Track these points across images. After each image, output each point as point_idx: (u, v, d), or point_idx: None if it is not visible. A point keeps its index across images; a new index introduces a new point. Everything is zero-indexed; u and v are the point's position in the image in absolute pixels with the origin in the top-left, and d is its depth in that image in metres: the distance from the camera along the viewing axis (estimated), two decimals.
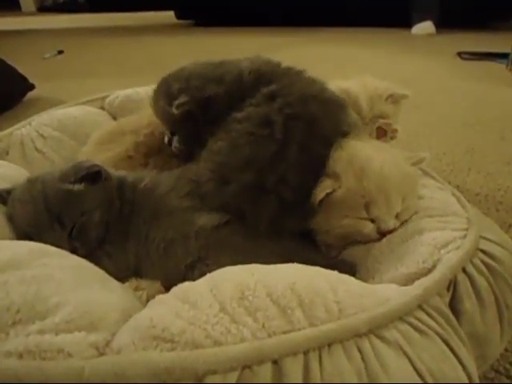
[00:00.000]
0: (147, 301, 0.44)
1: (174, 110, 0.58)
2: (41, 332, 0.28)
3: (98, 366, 0.26)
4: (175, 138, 0.65)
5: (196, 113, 0.59)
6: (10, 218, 0.50)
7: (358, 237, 0.51)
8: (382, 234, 0.50)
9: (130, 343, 0.28)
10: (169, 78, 0.64)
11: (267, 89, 0.56)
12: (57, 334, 0.28)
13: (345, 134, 0.55)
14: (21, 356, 0.26)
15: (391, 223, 0.50)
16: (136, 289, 0.49)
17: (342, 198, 0.50)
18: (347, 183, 0.50)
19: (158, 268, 0.51)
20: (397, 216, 0.50)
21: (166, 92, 0.63)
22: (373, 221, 0.50)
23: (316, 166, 0.52)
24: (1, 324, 0.28)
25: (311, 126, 0.52)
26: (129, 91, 0.98)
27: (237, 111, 0.56)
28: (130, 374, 0.26)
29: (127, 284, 0.49)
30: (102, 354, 0.28)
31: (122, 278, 0.47)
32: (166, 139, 0.66)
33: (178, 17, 3.32)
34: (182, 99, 0.58)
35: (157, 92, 0.65)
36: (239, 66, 0.61)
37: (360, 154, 0.51)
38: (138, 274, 0.52)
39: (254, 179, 0.50)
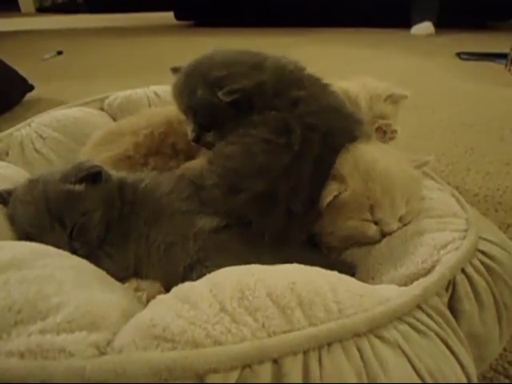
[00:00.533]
0: (147, 301, 0.44)
1: (224, 98, 0.53)
2: (42, 332, 0.28)
3: (99, 366, 0.26)
4: (209, 134, 0.59)
5: (243, 103, 0.55)
6: (11, 219, 0.51)
7: (361, 239, 0.52)
8: (385, 236, 0.50)
9: (131, 343, 0.28)
10: (199, 67, 0.59)
11: (296, 93, 0.54)
12: (58, 334, 0.28)
13: None
14: (22, 356, 0.26)
15: (395, 226, 0.50)
16: (136, 289, 0.49)
17: (347, 200, 0.50)
18: (353, 185, 0.50)
19: (158, 269, 0.51)
20: (400, 218, 0.51)
21: (203, 81, 0.56)
22: (376, 223, 0.51)
23: (326, 178, 0.52)
24: (2, 324, 0.28)
25: (327, 139, 0.52)
26: (128, 92, 0.98)
27: (256, 113, 0.54)
28: (131, 373, 0.26)
29: (127, 284, 0.49)
30: (103, 354, 0.28)
31: (122, 279, 0.48)
32: (193, 135, 0.61)
33: (178, 17, 3.33)
34: (234, 86, 0.53)
35: (187, 82, 0.59)
36: (279, 60, 0.58)
37: (365, 157, 0.52)
38: (137, 274, 0.53)
39: (266, 189, 0.50)
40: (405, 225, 0.51)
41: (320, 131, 0.52)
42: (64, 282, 0.32)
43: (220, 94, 0.54)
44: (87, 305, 0.30)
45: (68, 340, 0.27)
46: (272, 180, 0.50)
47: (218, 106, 0.55)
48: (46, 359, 0.26)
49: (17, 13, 4.62)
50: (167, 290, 0.48)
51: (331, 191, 0.50)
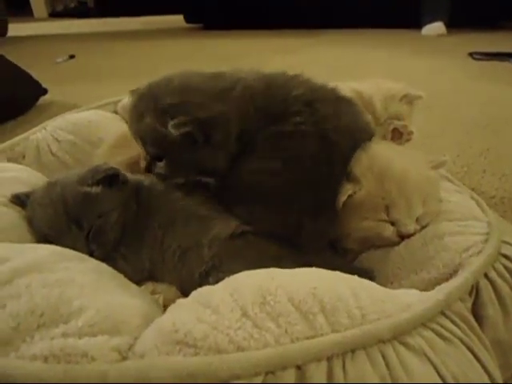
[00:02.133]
0: (164, 304, 0.44)
1: (172, 131, 0.48)
2: (65, 335, 0.28)
3: (122, 371, 0.26)
4: (160, 164, 0.54)
5: (197, 135, 0.50)
6: (30, 221, 0.51)
7: (377, 241, 0.51)
8: (402, 237, 0.50)
9: (153, 347, 0.28)
10: (154, 90, 0.53)
11: (274, 128, 0.52)
12: (80, 338, 0.28)
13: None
14: (46, 360, 0.27)
15: (412, 227, 0.49)
16: (152, 292, 0.49)
17: (362, 199, 0.50)
18: (367, 185, 0.50)
19: (173, 274, 0.51)
20: (417, 220, 0.50)
21: (152, 106, 0.51)
22: (393, 224, 0.50)
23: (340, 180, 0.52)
24: (26, 327, 0.28)
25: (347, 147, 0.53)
26: None
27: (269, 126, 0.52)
28: (154, 378, 0.26)
29: (144, 287, 0.49)
30: (124, 358, 0.28)
31: (137, 281, 0.48)
32: (144, 164, 0.56)
33: (188, 20, 3.35)
34: (183, 118, 0.48)
35: (138, 106, 0.54)
36: (251, 85, 0.54)
37: (381, 157, 0.52)
38: (152, 277, 0.53)
39: (315, 200, 0.50)
40: (423, 227, 0.50)
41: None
42: (84, 286, 0.32)
43: (170, 125, 0.49)
44: (108, 309, 0.30)
45: (90, 344, 0.27)
46: (319, 191, 0.50)
47: (167, 136, 0.49)
48: (69, 363, 0.26)
49: (30, 18, 4.70)
50: (183, 293, 0.48)
51: (345, 191, 0.50)
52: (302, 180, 0.50)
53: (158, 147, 0.53)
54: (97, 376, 0.26)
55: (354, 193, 0.50)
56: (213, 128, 0.50)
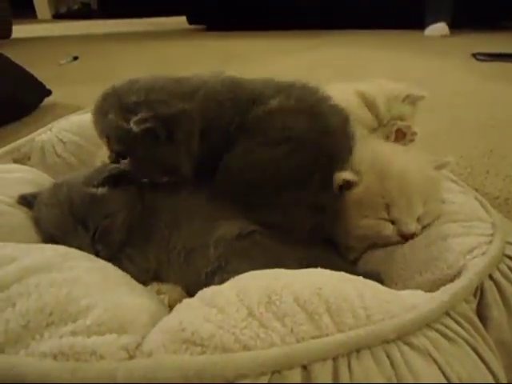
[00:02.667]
0: (169, 305, 0.45)
1: (134, 127, 0.49)
2: (73, 334, 0.28)
3: (130, 369, 0.26)
4: (125, 161, 0.54)
5: (160, 131, 0.51)
6: (37, 222, 0.52)
7: (378, 239, 0.51)
8: (403, 236, 0.50)
9: (161, 346, 0.28)
10: (118, 89, 0.54)
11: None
12: (89, 336, 0.28)
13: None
14: (55, 357, 0.27)
15: (412, 226, 0.49)
16: (157, 292, 0.50)
17: (361, 196, 0.50)
18: (367, 181, 0.50)
19: (179, 274, 0.51)
20: (418, 219, 0.50)
21: (117, 104, 0.52)
22: (393, 223, 0.50)
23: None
24: (35, 325, 0.29)
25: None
26: None
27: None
28: (162, 377, 0.26)
29: (149, 287, 0.50)
30: (132, 357, 0.28)
31: (142, 282, 0.48)
32: (109, 161, 0.57)
33: (190, 22, 3.36)
34: (145, 114, 0.49)
35: (102, 105, 0.54)
36: (216, 90, 0.54)
37: (382, 156, 0.52)
38: (158, 277, 0.53)
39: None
40: (424, 227, 0.50)
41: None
42: (91, 285, 0.33)
43: (132, 121, 0.49)
44: (115, 308, 0.31)
45: (98, 342, 0.28)
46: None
47: (129, 133, 0.50)
48: (78, 361, 0.27)
49: (33, 20, 4.73)
50: (188, 294, 0.49)
51: (343, 175, 0.50)
52: (300, 165, 0.50)
53: (121, 144, 0.53)
54: (106, 374, 0.26)
55: (354, 183, 0.50)
56: (175, 125, 0.51)
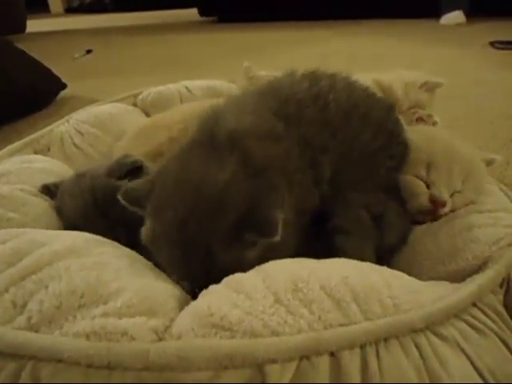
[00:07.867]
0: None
1: None
2: (105, 315, 0.29)
3: (162, 350, 0.27)
4: None
5: None
6: (59, 210, 0.52)
7: (410, 199, 0.51)
8: (434, 203, 0.49)
9: (190, 330, 0.28)
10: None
11: None
12: (120, 318, 0.29)
13: None
14: (88, 337, 0.28)
15: (445, 195, 0.49)
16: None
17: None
18: (417, 139, 0.53)
19: None
20: (452, 195, 0.50)
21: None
22: (429, 187, 0.50)
23: None
24: (67, 307, 0.29)
25: None
26: (160, 88, 0.99)
27: None
28: (193, 358, 0.26)
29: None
30: (161, 339, 0.28)
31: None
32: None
33: (202, 13, 3.34)
34: None
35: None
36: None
37: (433, 129, 0.56)
38: None
39: None
40: (452, 211, 0.49)
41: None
42: (120, 269, 0.33)
43: None
44: (144, 291, 0.31)
45: (129, 324, 0.28)
46: None
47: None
48: (110, 341, 0.27)
49: (46, 14, 4.76)
50: None
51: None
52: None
53: None
54: (139, 354, 0.26)
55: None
56: None
